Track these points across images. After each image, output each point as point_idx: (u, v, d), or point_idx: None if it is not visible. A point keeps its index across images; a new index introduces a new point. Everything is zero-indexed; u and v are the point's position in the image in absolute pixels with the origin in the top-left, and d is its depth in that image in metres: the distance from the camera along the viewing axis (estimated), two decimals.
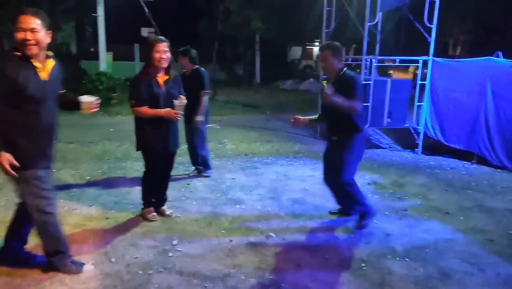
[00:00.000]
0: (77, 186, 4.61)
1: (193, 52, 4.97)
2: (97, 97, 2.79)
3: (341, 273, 2.87)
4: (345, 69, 3.46)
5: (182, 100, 3.42)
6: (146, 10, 12.80)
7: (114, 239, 3.26)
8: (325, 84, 3.66)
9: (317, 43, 29.22)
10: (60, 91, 2.69)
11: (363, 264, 3.00)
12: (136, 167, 5.07)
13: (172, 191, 4.47)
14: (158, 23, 13.23)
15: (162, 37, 3.44)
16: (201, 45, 20.93)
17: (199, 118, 4.74)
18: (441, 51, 7.25)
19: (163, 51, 3.32)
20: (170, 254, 3.03)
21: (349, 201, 3.71)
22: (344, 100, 3.20)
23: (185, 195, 4.38)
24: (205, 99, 4.80)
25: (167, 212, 3.77)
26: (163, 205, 3.82)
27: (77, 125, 8.46)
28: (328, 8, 7.93)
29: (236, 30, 17.59)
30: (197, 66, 4.95)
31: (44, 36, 2.42)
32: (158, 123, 3.40)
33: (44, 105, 2.48)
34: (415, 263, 3.04)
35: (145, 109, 3.35)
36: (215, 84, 15.16)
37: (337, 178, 3.54)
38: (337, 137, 3.54)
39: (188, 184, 4.77)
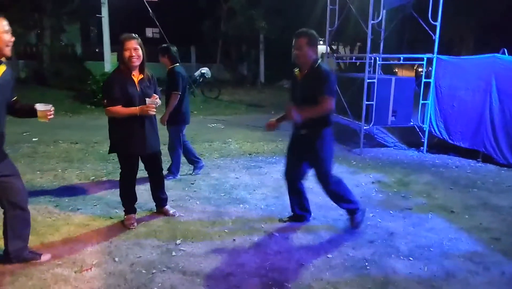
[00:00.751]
0: (82, 185, 4.64)
1: (174, 50, 4.72)
2: (51, 105, 2.76)
3: (345, 273, 2.86)
4: (319, 61, 3.29)
5: (154, 99, 3.27)
6: (150, 10, 12.80)
7: (118, 238, 3.28)
8: (296, 73, 3.44)
9: (321, 42, 29.24)
10: (12, 99, 2.68)
11: (366, 263, 2.99)
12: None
13: (176, 190, 4.50)
14: (162, 23, 13.23)
15: (132, 34, 3.24)
16: (205, 45, 21.01)
17: (163, 119, 4.61)
18: (445, 49, 7.18)
19: (133, 48, 3.17)
20: (174, 254, 3.04)
21: (301, 204, 3.67)
22: (310, 110, 3.11)
23: (189, 195, 4.39)
24: (172, 100, 4.59)
25: (171, 212, 3.77)
26: (164, 205, 3.80)
27: (82, 126, 8.53)
28: (331, 7, 7.91)
29: (240, 29, 17.60)
30: (177, 64, 4.75)
31: None
32: (132, 123, 3.27)
33: None
34: (419, 262, 3.02)
35: (119, 109, 3.21)
36: (219, 84, 15.23)
37: (300, 177, 3.52)
38: (305, 131, 3.33)
39: (192, 184, 4.78)
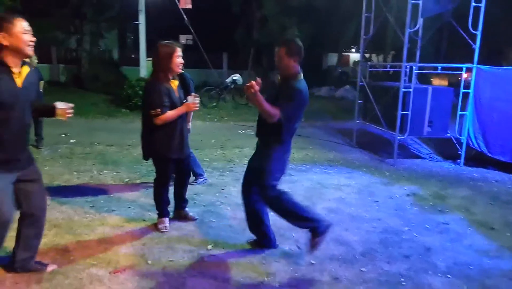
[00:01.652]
0: (116, 187, 4.75)
1: None
2: (72, 105, 2.71)
3: (379, 288, 2.77)
4: (300, 77, 3.02)
5: (194, 96, 3.38)
6: (185, 18, 13.09)
7: (151, 241, 3.33)
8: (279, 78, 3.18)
9: (353, 50, 28.87)
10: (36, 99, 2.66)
11: (402, 279, 2.89)
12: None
13: (207, 195, 4.53)
14: (196, 30, 13.50)
15: (178, 42, 3.34)
16: (237, 52, 21.23)
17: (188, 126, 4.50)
18: (484, 60, 6.93)
19: (180, 56, 3.28)
20: (205, 259, 3.05)
21: (258, 227, 3.25)
22: (264, 103, 2.80)
23: (220, 200, 4.40)
24: None
25: (190, 214, 3.79)
26: (184, 208, 3.83)
27: (117, 129, 8.77)
28: (366, 14, 7.80)
29: (272, 37, 17.67)
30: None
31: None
32: (174, 129, 3.34)
33: (15, 112, 2.39)
34: (458, 280, 2.89)
35: (168, 114, 3.25)
36: None
37: (254, 192, 3.15)
38: (258, 141, 3.19)
39: (223, 189, 4.80)
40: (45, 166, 5.53)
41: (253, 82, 2.77)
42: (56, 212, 3.86)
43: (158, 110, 3.21)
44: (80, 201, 4.22)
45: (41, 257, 2.93)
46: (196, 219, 3.78)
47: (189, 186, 4.67)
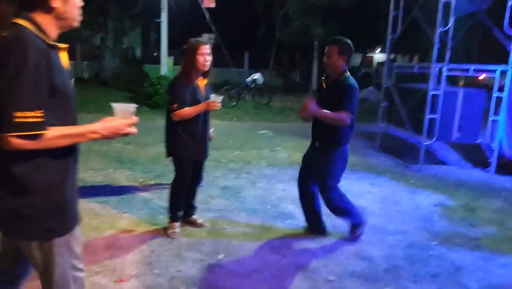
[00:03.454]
0: (130, 188, 4.64)
1: None
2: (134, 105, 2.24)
3: None
4: (347, 74, 3.17)
5: (217, 95, 3.24)
6: (207, 16, 13.00)
7: (160, 247, 3.17)
8: (323, 81, 3.33)
9: (377, 51, 28.20)
10: None
11: None
12: (157, 172, 5.01)
13: (222, 199, 4.36)
14: (218, 29, 13.40)
15: (204, 40, 3.28)
16: (258, 51, 21.04)
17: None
18: None
19: (207, 53, 3.16)
20: (215, 270, 2.86)
21: (314, 216, 3.57)
22: (327, 113, 2.97)
23: (234, 205, 4.22)
24: None
25: (199, 221, 3.62)
26: (194, 214, 3.67)
27: (136, 127, 8.71)
28: (394, 12, 7.46)
29: (295, 36, 17.40)
30: None
31: None
32: (192, 127, 3.24)
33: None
34: None
35: (186, 110, 3.15)
36: (270, 90, 15.08)
37: (311, 186, 3.43)
38: (319, 144, 3.33)
39: (238, 193, 4.61)
40: None
41: (305, 103, 2.90)
42: None
43: (175, 105, 3.13)
44: (92, 201, 4.11)
45: None
46: (205, 226, 3.60)
47: (202, 189, 4.55)
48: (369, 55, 24.42)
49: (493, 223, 4.05)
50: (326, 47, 3.20)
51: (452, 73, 6.95)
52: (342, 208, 3.40)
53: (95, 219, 3.66)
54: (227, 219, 3.83)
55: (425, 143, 6.23)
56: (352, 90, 3.08)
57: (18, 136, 1.38)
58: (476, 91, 6.82)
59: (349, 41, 3.18)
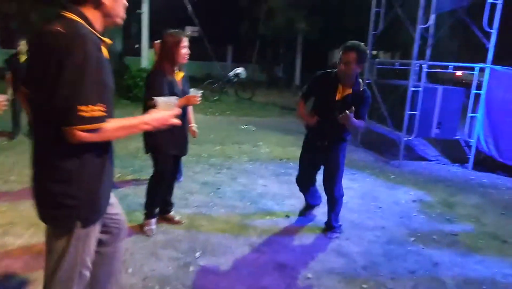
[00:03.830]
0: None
1: None
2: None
3: None
4: (361, 81, 3.21)
5: (196, 90, 3.14)
6: (189, 8, 12.80)
7: (135, 245, 3.07)
8: (337, 92, 3.20)
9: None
10: None
11: None
12: (129, 167, 4.91)
13: (200, 195, 4.28)
14: (201, 22, 13.20)
15: (184, 32, 3.17)
16: (242, 45, 20.90)
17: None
18: (501, 58, 6.63)
19: (186, 46, 3.07)
20: (191, 269, 2.79)
21: (313, 197, 3.76)
22: (357, 122, 3.07)
23: (214, 201, 4.14)
24: None
25: (176, 218, 3.54)
26: (171, 210, 3.58)
27: None
28: (376, 9, 7.46)
29: (278, 31, 17.32)
30: None
31: None
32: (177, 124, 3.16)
33: None
34: None
35: None
36: (253, 85, 15.00)
37: (330, 186, 3.45)
38: (327, 143, 3.35)
39: (218, 188, 4.54)
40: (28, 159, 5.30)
41: (347, 114, 2.90)
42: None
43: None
44: None
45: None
46: (182, 223, 3.51)
47: (181, 184, 4.46)
48: None
49: (470, 219, 4.10)
50: (343, 54, 3.03)
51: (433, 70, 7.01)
52: (339, 204, 3.49)
53: None
54: (206, 215, 3.76)
55: (405, 139, 6.28)
56: (370, 99, 3.24)
57: (83, 130, 1.42)
58: (455, 89, 6.90)
59: (366, 48, 3.13)
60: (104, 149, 1.61)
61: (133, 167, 5.14)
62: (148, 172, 4.95)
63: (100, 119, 1.45)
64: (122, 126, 1.56)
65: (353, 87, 3.16)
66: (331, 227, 3.53)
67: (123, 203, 3.87)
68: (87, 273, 1.71)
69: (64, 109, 1.41)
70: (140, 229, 3.33)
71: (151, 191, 3.33)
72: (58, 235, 1.61)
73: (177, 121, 1.76)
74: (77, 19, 1.47)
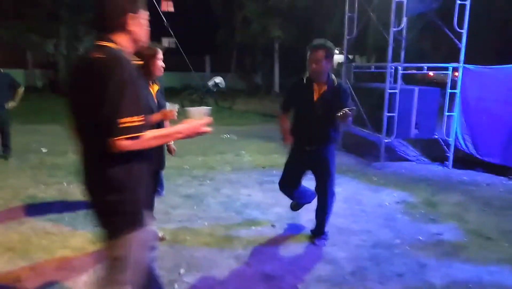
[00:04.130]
0: (85, 203, 4.34)
1: None
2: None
3: None
4: (333, 76, 3.23)
5: (173, 104, 3.10)
6: (165, 20, 12.72)
7: None
8: (312, 87, 3.21)
9: (337, 51, 28.80)
10: None
11: None
12: None
13: (184, 209, 4.20)
14: (177, 33, 13.11)
15: (158, 44, 3.12)
16: (219, 54, 20.90)
17: None
18: (473, 58, 6.79)
19: (161, 59, 3.03)
20: (176, 286, 2.71)
21: (305, 198, 3.68)
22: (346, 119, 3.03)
23: (197, 214, 4.06)
24: None
25: (159, 234, 3.43)
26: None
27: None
28: (349, 14, 7.57)
29: (254, 39, 17.41)
30: None
31: None
32: None
33: None
34: None
35: None
36: (233, 94, 14.97)
37: (324, 191, 3.46)
38: (315, 148, 3.32)
39: (201, 201, 4.46)
40: (10, 178, 5.12)
41: (345, 112, 2.85)
42: (13, 233, 3.48)
43: None
44: (42, 219, 3.83)
45: None
46: (165, 239, 3.42)
47: (163, 199, 4.36)
48: None
49: (453, 217, 4.14)
50: (311, 53, 3.10)
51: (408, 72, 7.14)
52: (331, 208, 3.47)
53: (46, 238, 3.40)
54: (190, 229, 3.68)
55: (385, 141, 6.34)
56: (347, 89, 3.28)
57: (125, 139, 1.58)
58: (431, 89, 7.03)
59: (332, 44, 3.16)
60: (145, 156, 1.77)
61: None
62: None
63: (139, 128, 1.62)
64: (158, 135, 1.72)
65: (328, 83, 3.19)
66: (320, 233, 3.49)
67: None
68: (149, 271, 1.95)
69: (108, 122, 1.57)
70: None
71: None
72: (117, 241, 1.73)
73: (208, 129, 1.87)
74: (112, 46, 1.68)
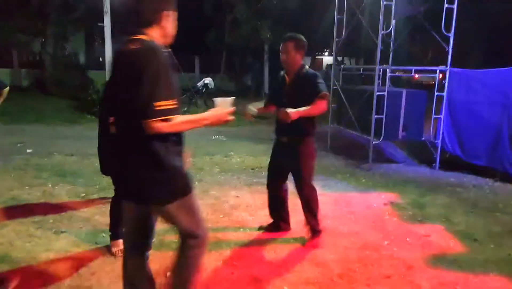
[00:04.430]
0: (70, 204, 4.28)
1: None
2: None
3: None
4: (306, 66, 3.27)
5: None
6: None
7: (101, 269, 2.91)
8: (285, 77, 3.33)
9: (326, 53, 28.95)
10: None
11: None
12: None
13: None
14: None
15: None
16: (209, 55, 20.82)
17: None
18: (460, 61, 6.88)
19: None
20: None
21: (280, 215, 3.62)
22: (308, 108, 2.98)
23: None
24: None
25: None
26: None
27: (80, 137, 8.22)
28: (339, 16, 7.60)
29: (244, 40, 17.38)
30: None
31: None
32: None
33: None
34: None
35: None
36: (222, 95, 14.90)
37: (283, 185, 3.49)
38: (288, 139, 3.32)
39: None
40: None
41: (283, 114, 2.88)
42: None
43: (112, 118, 2.86)
44: (25, 221, 3.74)
45: None
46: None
47: None
48: (318, 57, 24.98)
49: (440, 219, 4.17)
50: (282, 44, 3.22)
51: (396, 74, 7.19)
52: (315, 207, 3.42)
53: (29, 241, 3.32)
54: (177, 232, 3.62)
55: (373, 143, 6.37)
56: (318, 76, 3.20)
57: (160, 121, 1.75)
58: (418, 91, 7.10)
59: (303, 37, 3.22)
60: (178, 141, 1.94)
61: (99, 185, 4.94)
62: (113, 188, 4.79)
63: (173, 111, 1.78)
64: (189, 120, 1.88)
65: (297, 73, 3.23)
66: (315, 232, 3.46)
67: (88, 224, 3.72)
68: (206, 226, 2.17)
69: (145, 105, 1.74)
70: (108, 251, 3.17)
71: (115, 210, 3.17)
72: (164, 209, 1.96)
73: (232, 118, 2.03)
74: (147, 38, 1.86)
